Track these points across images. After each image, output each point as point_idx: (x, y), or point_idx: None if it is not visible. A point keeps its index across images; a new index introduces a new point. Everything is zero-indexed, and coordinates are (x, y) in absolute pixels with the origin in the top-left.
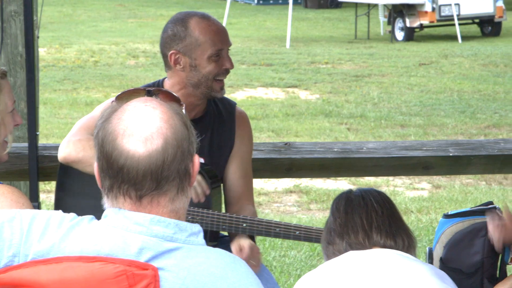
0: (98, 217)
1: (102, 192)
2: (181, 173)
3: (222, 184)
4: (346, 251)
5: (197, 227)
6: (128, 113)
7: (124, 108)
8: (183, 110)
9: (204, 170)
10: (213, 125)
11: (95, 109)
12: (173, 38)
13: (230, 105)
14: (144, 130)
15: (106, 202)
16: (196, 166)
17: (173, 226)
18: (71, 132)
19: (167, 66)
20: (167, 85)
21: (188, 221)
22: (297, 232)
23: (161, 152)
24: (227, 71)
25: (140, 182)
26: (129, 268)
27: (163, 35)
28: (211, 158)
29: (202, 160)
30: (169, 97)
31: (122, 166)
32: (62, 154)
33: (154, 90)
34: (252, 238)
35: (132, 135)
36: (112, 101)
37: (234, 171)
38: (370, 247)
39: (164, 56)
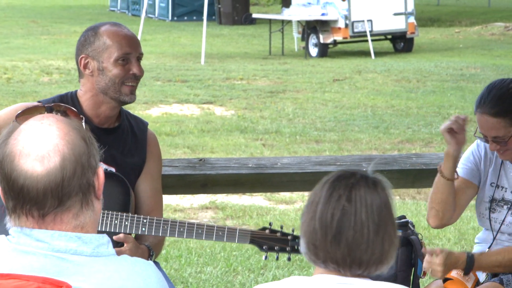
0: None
1: (7, 213)
2: (83, 187)
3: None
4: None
5: (104, 238)
6: (24, 133)
7: (20, 129)
8: (83, 124)
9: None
10: (126, 137)
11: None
12: (83, 44)
13: (143, 124)
14: (41, 149)
15: (8, 222)
16: (101, 179)
17: (76, 239)
18: None
19: (79, 73)
20: (80, 94)
21: (106, 224)
22: (220, 233)
23: (60, 169)
24: (135, 76)
25: (42, 201)
26: (43, 285)
27: (77, 43)
28: (121, 168)
29: (113, 170)
30: (68, 111)
31: (22, 186)
32: None
33: (53, 105)
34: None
35: (29, 154)
36: (13, 121)
37: (144, 189)
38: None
39: (76, 63)
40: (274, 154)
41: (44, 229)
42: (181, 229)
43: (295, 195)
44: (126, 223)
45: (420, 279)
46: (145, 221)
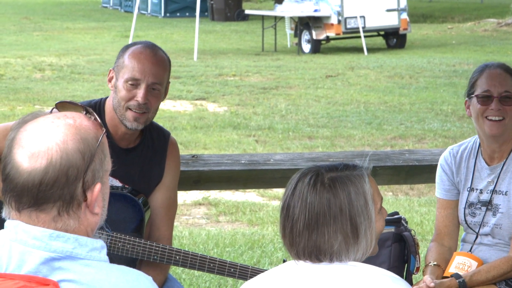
0: None
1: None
2: (64, 198)
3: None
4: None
5: (99, 243)
6: (33, 125)
7: (36, 119)
8: (101, 137)
9: (136, 196)
10: (145, 157)
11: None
12: (117, 57)
13: (164, 136)
14: (35, 146)
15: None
16: (95, 194)
17: (73, 241)
18: None
19: None
20: (106, 105)
21: (118, 248)
22: (232, 270)
23: (41, 173)
24: (139, 105)
25: (18, 195)
26: (29, 284)
27: None
28: (139, 187)
29: (129, 188)
30: (96, 121)
31: (8, 174)
32: None
33: (89, 109)
34: (134, 262)
35: (23, 147)
36: (52, 108)
37: (156, 199)
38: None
39: None
40: (267, 150)
41: (42, 228)
42: (193, 262)
43: None
44: (138, 249)
45: (413, 275)
46: (157, 249)
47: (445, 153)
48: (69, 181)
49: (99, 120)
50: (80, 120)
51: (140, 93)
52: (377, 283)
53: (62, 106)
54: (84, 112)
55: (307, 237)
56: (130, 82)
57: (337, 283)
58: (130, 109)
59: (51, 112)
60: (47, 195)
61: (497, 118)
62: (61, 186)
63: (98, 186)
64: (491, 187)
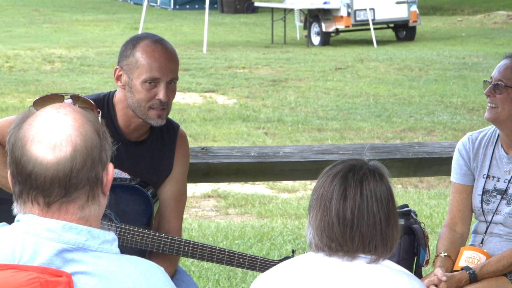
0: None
1: (13, 197)
2: (91, 181)
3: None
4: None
5: (111, 235)
6: (39, 119)
7: (36, 114)
8: (99, 118)
9: (145, 188)
10: (154, 149)
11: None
12: (121, 54)
13: (173, 128)
14: (53, 137)
15: (15, 207)
16: (110, 175)
17: (85, 233)
18: None
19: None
20: (115, 101)
21: (127, 239)
22: (241, 260)
23: (70, 160)
24: (161, 103)
25: (48, 189)
26: (42, 275)
27: (119, 50)
28: (148, 180)
29: (138, 180)
30: (86, 104)
31: (30, 172)
32: None
33: (72, 96)
34: (143, 253)
35: (41, 141)
36: (30, 107)
37: (165, 191)
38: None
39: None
40: (276, 142)
41: (56, 219)
42: (202, 252)
43: (297, 183)
44: (148, 240)
45: (423, 267)
46: (166, 240)
47: (463, 138)
48: (94, 163)
49: (92, 102)
50: (73, 107)
51: (161, 92)
52: (395, 280)
53: (42, 102)
54: (63, 100)
55: (387, 234)
56: (149, 82)
57: (356, 278)
58: (152, 108)
59: (29, 110)
60: (77, 181)
61: (489, 105)
62: (89, 169)
63: (111, 166)
64: (508, 177)
